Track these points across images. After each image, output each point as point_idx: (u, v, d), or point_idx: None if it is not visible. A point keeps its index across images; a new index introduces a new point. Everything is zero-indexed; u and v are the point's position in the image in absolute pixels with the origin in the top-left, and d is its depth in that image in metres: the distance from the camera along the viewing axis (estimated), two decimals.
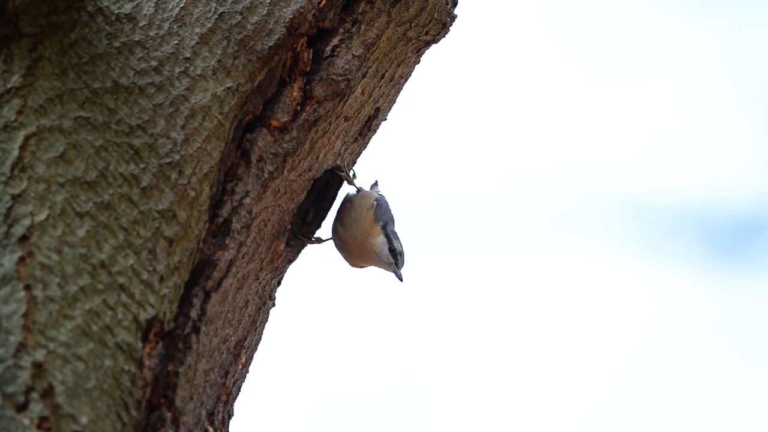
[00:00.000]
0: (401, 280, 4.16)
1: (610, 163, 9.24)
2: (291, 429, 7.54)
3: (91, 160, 3.33)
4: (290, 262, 3.88)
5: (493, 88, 8.64)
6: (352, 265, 4.20)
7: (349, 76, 3.70)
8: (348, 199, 4.10)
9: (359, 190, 4.10)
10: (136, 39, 3.48)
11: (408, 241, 4.18)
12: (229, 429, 3.64)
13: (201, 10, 3.54)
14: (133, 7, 3.51)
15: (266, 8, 3.58)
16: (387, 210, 4.15)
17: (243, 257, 3.55)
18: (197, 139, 3.44)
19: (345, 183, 4.04)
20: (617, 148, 9.21)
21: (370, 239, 4.08)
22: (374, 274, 4.29)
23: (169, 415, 3.29)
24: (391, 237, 4.12)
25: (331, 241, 4.13)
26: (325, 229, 4.10)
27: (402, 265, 4.14)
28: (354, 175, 4.04)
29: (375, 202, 4.11)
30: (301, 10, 3.60)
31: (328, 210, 3.94)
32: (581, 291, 8.63)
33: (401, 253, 4.13)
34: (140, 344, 3.24)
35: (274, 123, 3.60)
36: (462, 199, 8.27)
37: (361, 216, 4.07)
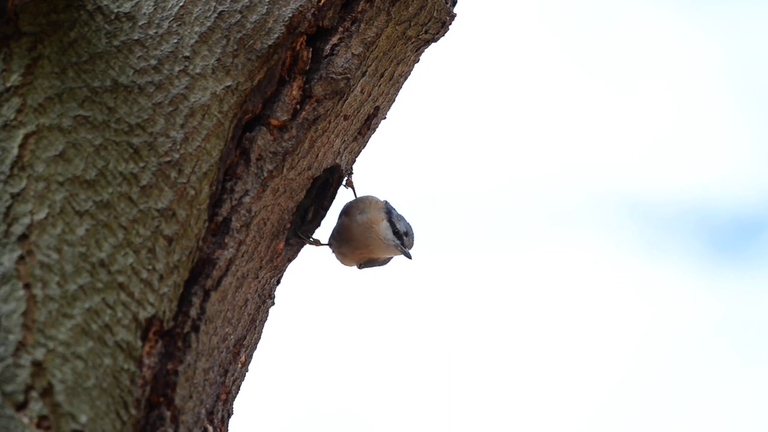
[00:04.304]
0: (410, 257, 4.18)
1: (609, 162, 9.25)
2: (290, 428, 7.54)
3: (90, 159, 3.33)
4: (290, 260, 3.88)
5: (492, 87, 8.64)
6: (352, 261, 4.20)
7: (349, 75, 3.70)
8: (353, 203, 4.12)
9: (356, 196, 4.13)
10: (136, 38, 3.48)
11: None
12: (229, 428, 3.64)
13: (200, 9, 3.55)
14: (132, 6, 3.51)
15: (266, 7, 3.58)
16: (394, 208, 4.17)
17: (242, 256, 3.55)
18: (197, 138, 3.44)
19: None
20: (617, 147, 9.21)
21: (374, 226, 4.09)
22: (376, 275, 4.30)
23: (168, 413, 3.29)
24: (394, 221, 4.14)
25: (328, 245, 4.13)
26: (325, 229, 4.11)
27: (410, 245, 4.17)
28: (351, 171, 4.04)
29: (384, 201, 4.14)
30: (300, 8, 3.60)
31: (328, 209, 3.94)
32: (580, 289, 8.63)
33: (407, 233, 4.16)
34: (140, 343, 3.24)
35: (274, 122, 3.60)
36: (461, 198, 8.27)
37: (370, 206, 4.10)
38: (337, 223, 4.12)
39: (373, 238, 4.11)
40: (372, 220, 4.11)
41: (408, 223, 4.17)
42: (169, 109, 3.44)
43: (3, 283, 3.14)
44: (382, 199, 4.16)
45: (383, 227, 4.12)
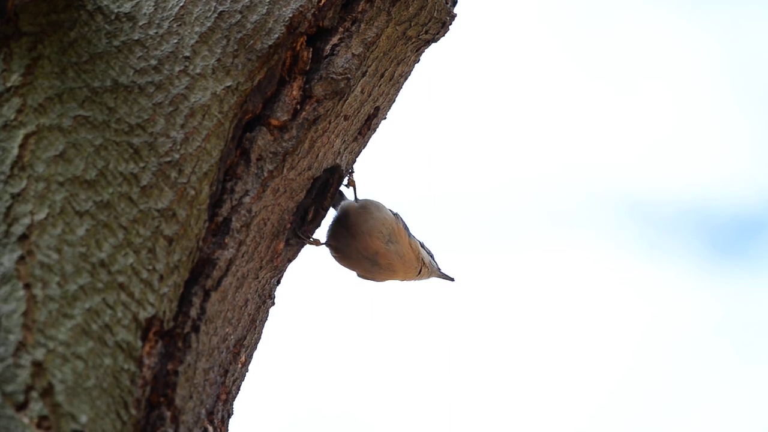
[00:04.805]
0: (453, 279, 4.27)
1: (609, 162, 9.25)
2: (290, 428, 7.54)
3: (90, 159, 3.33)
4: (290, 261, 3.88)
5: (492, 87, 8.64)
6: (360, 272, 4.18)
7: (349, 75, 3.70)
8: (357, 212, 4.09)
9: (356, 199, 4.11)
10: (136, 38, 3.48)
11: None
12: (229, 428, 3.64)
13: (201, 9, 3.55)
14: (132, 6, 3.51)
15: (266, 7, 3.58)
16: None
17: (243, 256, 3.55)
18: (197, 138, 3.44)
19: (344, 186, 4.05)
20: (617, 146, 9.21)
21: (419, 255, 4.12)
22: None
23: (168, 414, 3.29)
24: (426, 248, 4.20)
25: (326, 245, 4.12)
26: (325, 230, 4.10)
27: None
28: (352, 170, 4.04)
29: (394, 213, 4.11)
30: (300, 8, 3.60)
31: (328, 209, 3.94)
32: (580, 289, 8.63)
33: (433, 257, 4.24)
34: (140, 343, 3.24)
35: (274, 122, 3.60)
36: (461, 198, 8.27)
37: (396, 234, 4.08)
38: (347, 236, 4.08)
39: (412, 267, 4.12)
40: (411, 249, 4.10)
41: (419, 241, 4.19)
42: (169, 110, 3.44)
43: (3, 283, 3.14)
44: (387, 207, 4.13)
45: (427, 257, 4.16)
